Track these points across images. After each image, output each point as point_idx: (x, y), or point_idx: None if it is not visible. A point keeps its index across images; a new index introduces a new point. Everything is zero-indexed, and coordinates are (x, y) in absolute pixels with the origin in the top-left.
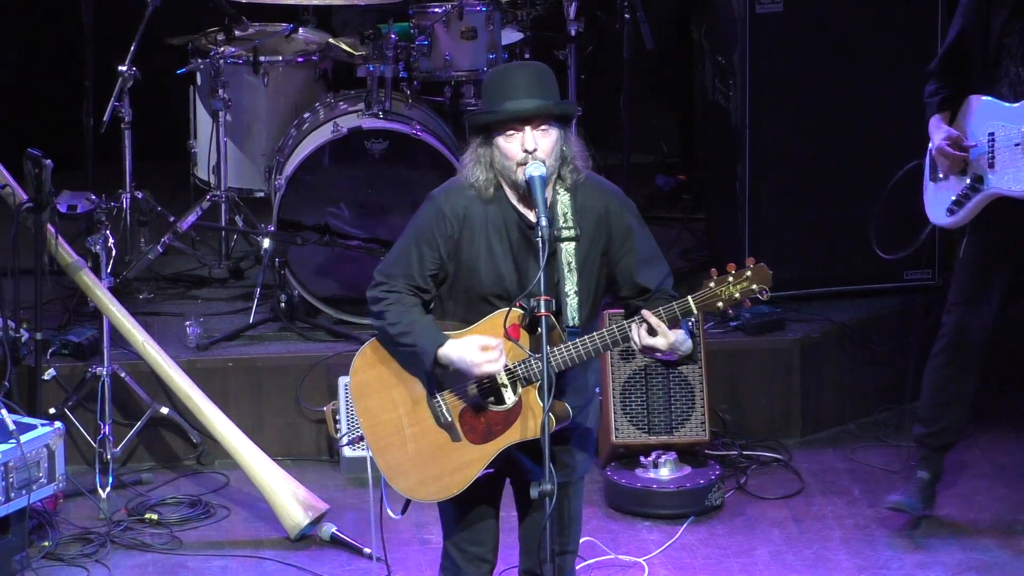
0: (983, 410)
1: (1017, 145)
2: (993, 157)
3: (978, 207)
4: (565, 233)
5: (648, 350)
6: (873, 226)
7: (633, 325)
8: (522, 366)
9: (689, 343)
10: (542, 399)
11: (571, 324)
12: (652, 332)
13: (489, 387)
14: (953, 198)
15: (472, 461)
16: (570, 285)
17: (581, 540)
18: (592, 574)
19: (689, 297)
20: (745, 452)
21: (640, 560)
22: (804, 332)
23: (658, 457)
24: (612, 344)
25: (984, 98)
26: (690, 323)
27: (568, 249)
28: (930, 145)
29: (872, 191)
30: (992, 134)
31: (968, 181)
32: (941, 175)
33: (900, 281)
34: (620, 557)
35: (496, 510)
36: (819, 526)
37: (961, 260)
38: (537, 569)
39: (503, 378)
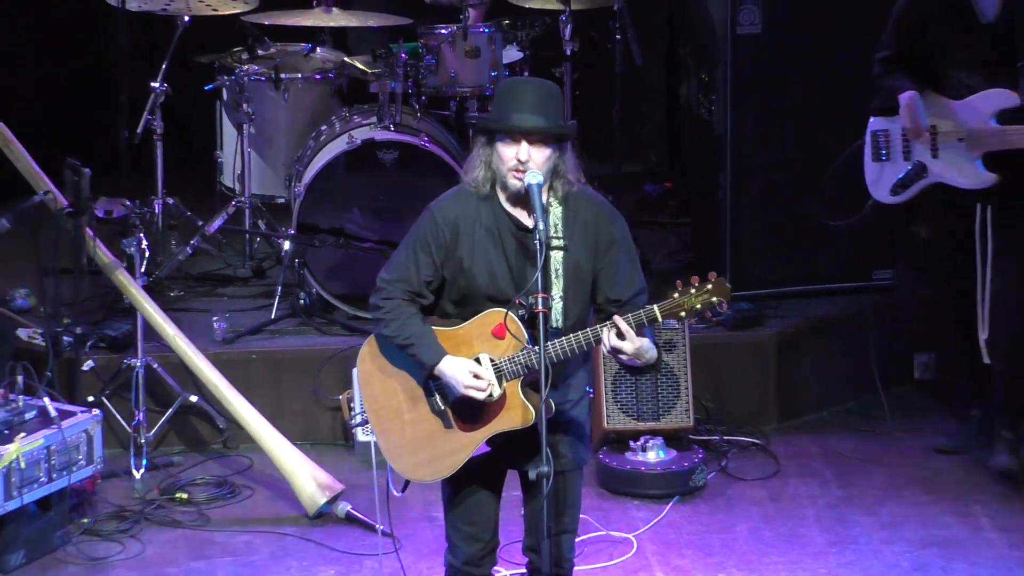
0: (949, 399)
1: (960, 140)
2: (936, 148)
3: (920, 189)
4: (555, 243)
5: (615, 352)
6: (819, 199)
7: (604, 328)
8: (508, 362)
9: (654, 352)
10: (534, 392)
11: (554, 326)
12: (620, 336)
13: None
14: (898, 179)
15: (462, 447)
16: (556, 290)
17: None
18: (586, 549)
19: (655, 306)
20: (726, 437)
21: (630, 536)
22: (781, 327)
23: (646, 442)
24: (587, 345)
25: (928, 91)
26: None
27: (556, 257)
28: (874, 124)
29: (844, 197)
30: (935, 126)
31: (911, 167)
32: (885, 155)
33: (868, 280)
34: (611, 533)
35: (495, 494)
36: (794, 505)
37: (935, 241)
38: (537, 546)
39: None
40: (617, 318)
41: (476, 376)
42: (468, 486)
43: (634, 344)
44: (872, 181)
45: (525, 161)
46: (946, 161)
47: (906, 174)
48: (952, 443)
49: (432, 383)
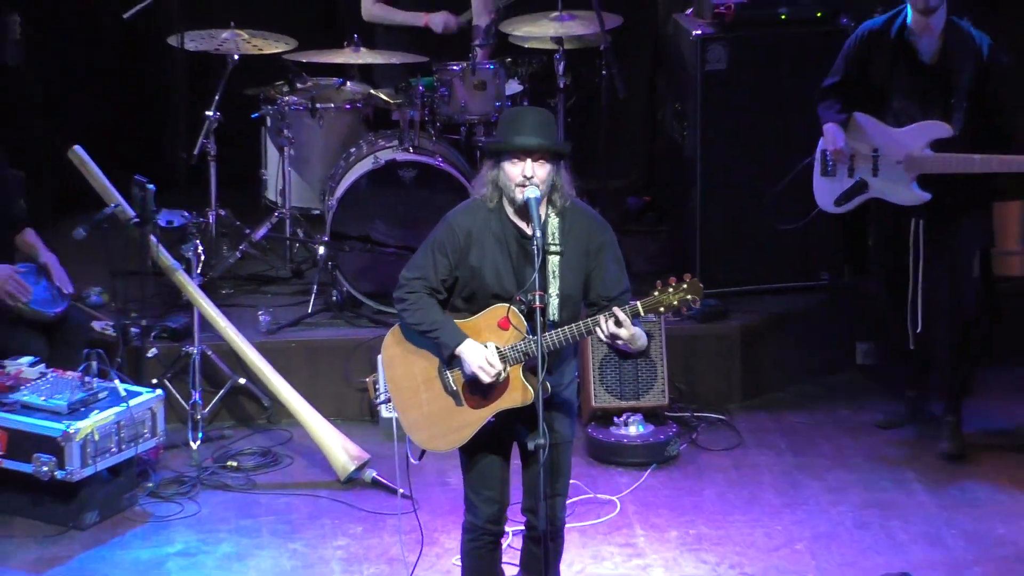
0: (887, 381)
1: (898, 163)
2: (877, 168)
3: (860, 203)
4: (552, 248)
5: (613, 338)
6: (774, 206)
7: (601, 318)
8: (511, 350)
9: (644, 340)
10: (533, 375)
11: (551, 319)
12: (618, 324)
13: None
14: (841, 192)
15: (471, 422)
16: (553, 289)
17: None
18: (576, 509)
19: (638, 302)
20: (696, 414)
21: (614, 498)
22: (744, 320)
23: (628, 418)
24: (585, 333)
25: (871, 118)
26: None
27: (554, 261)
28: (823, 144)
29: (795, 206)
30: (876, 149)
31: (854, 182)
32: (831, 171)
33: (818, 280)
34: (598, 496)
35: (505, 461)
36: (754, 472)
37: (879, 242)
38: (535, 507)
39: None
40: (617, 309)
41: (489, 361)
42: (484, 455)
43: (630, 331)
44: (819, 193)
45: (530, 177)
46: (885, 180)
47: (849, 188)
48: (890, 419)
49: (448, 365)
